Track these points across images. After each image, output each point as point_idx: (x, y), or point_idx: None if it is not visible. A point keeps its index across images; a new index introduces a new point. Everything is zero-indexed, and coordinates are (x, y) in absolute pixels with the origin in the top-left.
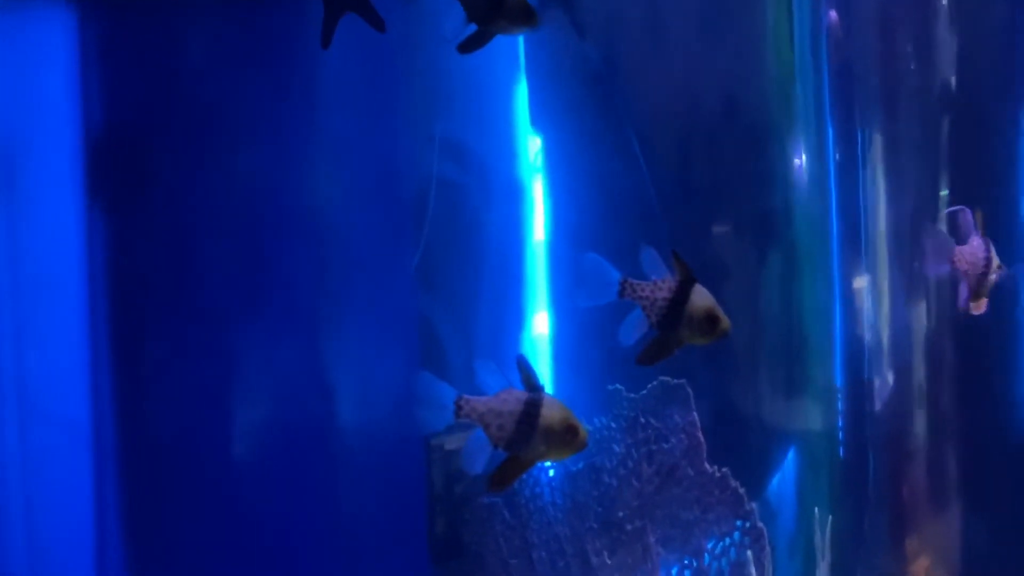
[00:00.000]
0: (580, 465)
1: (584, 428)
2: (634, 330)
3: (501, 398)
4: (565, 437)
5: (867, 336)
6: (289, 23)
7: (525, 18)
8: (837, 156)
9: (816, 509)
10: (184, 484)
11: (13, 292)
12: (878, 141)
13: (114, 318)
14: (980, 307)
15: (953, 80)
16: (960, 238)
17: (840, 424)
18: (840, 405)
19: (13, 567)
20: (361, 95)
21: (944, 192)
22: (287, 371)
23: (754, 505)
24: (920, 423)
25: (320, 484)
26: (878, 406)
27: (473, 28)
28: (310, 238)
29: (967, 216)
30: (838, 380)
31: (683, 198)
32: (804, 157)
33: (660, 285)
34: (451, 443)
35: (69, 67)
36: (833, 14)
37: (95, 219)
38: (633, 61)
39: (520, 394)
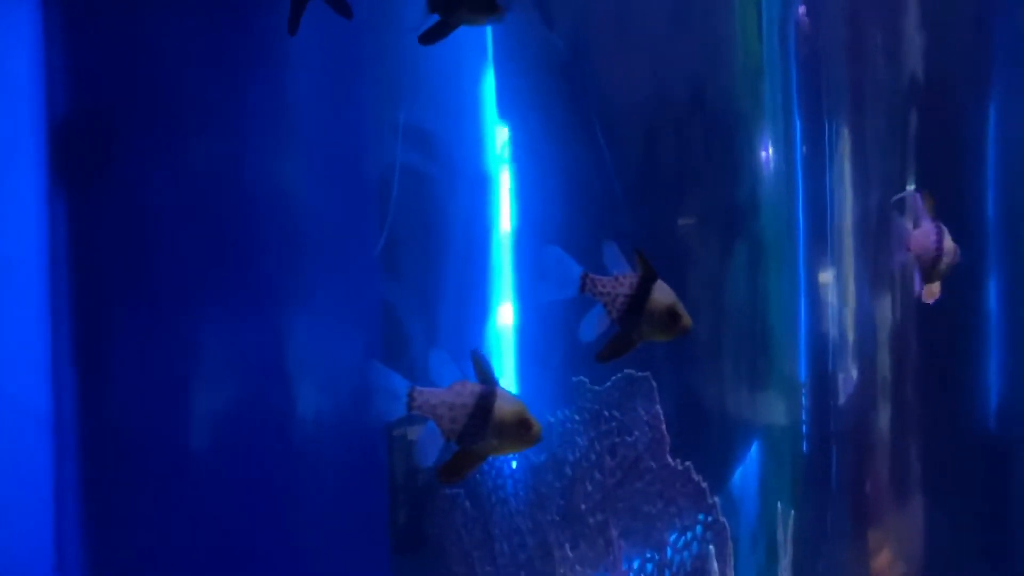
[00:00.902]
0: (543, 457)
1: (537, 422)
2: (595, 326)
3: (454, 390)
4: (518, 431)
5: (832, 330)
6: (254, 9)
7: (487, 9)
8: (804, 149)
9: (779, 503)
10: (144, 471)
11: None
12: (845, 135)
13: (75, 305)
14: (932, 293)
15: (921, 74)
16: (911, 223)
17: (804, 418)
18: (804, 399)
19: None
20: (325, 82)
21: (911, 186)
22: (248, 359)
23: (717, 499)
24: (883, 417)
25: (280, 473)
26: (842, 400)
27: (435, 18)
28: (273, 225)
29: (916, 200)
30: (802, 374)
31: (650, 190)
32: (771, 150)
33: (621, 281)
34: (413, 433)
35: (32, 50)
36: (802, 9)
37: (57, 205)
38: (601, 52)
39: (474, 387)
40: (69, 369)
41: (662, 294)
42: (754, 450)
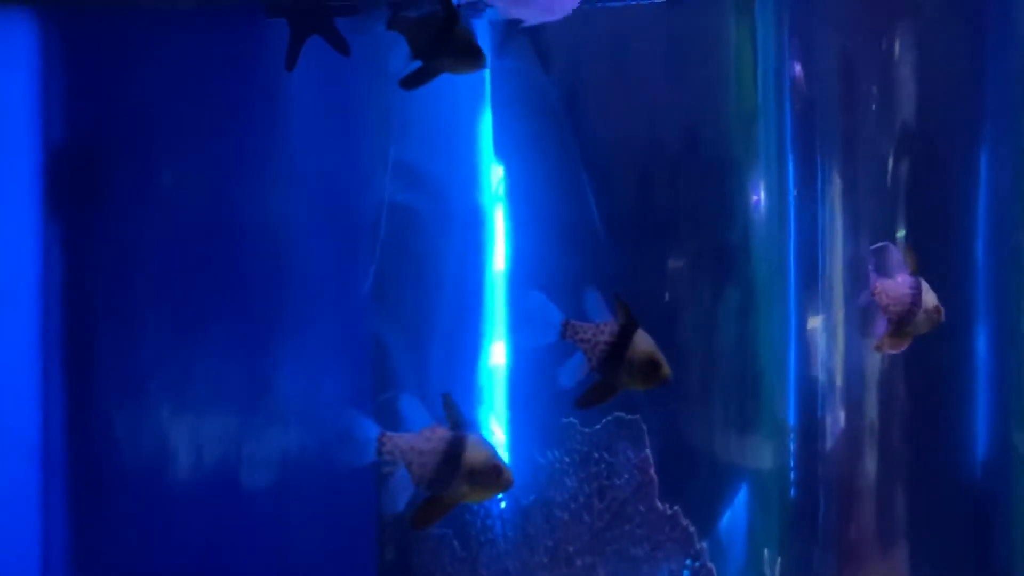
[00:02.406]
0: (532, 498)
1: (508, 469)
2: (574, 373)
3: (424, 436)
4: (488, 478)
5: (821, 375)
6: (251, 43)
7: (470, 57)
8: (796, 194)
9: (766, 550)
10: (132, 502)
11: None
12: (837, 181)
13: (66, 333)
14: (899, 346)
15: (912, 122)
16: (886, 274)
17: (791, 464)
18: (792, 444)
19: None
20: (320, 118)
21: (901, 232)
22: (236, 393)
23: (704, 544)
24: (871, 463)
25: (267, 508)
26: (830, 445)
27: (417, 64)
28: (264, 257)
29: (891, 252)
30: (791, 419)
31: (644, 232)
32: (763, 195)
33: (602, 328)
34: None
35: (29, 75)
36: (797, 67)
37: (51, 231)
38: (596, 95)
39: (444, 432)
40: (58, 397)
41: (643, 343)
42: (743, 494)
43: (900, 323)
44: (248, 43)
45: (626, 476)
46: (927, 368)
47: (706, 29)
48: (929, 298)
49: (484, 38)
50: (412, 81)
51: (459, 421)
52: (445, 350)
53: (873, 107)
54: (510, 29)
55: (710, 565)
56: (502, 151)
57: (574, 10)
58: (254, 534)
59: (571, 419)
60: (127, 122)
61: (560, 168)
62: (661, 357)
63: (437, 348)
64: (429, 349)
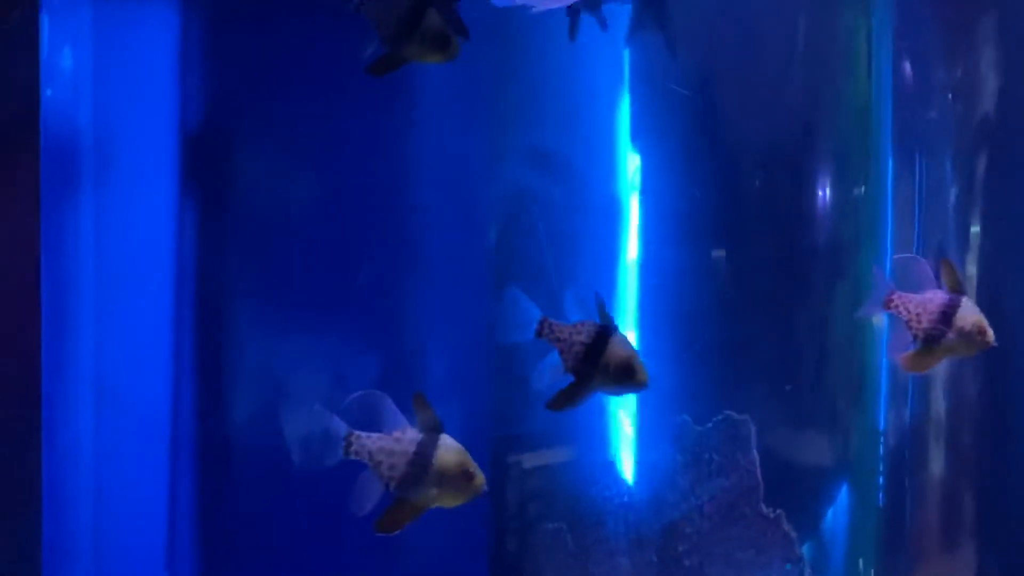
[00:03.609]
0: (646, 496)
1: (480, 473)
2: (548, 373)
3: (395, 436)
4: (459, 482)
5: (908, 378)
6: None
7: (438, 46)
8: (893, 188)
9: (860, 560)
10: (257, 482)
11: (97, 281)
12: (932, 177)
13: (198, 312)
14: (922, 366)
15: (992, 114)
16: (914, 287)
17: (880, 468)
18: (881, 448)
19: (81, 559)
20: (456, 104)
21: (975, 228)
22: (363, 372)
23: (804, 551)
24: (952, 467)
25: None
26: (915, 451)
27: (386, 50)
28: (394, 244)
29: (921, 266)
30: (881, 423)
31: (766, 225)
32: (872, 188)
33: (579, 329)
34: (530, 461)
35: (170, 64)
36: (906, 63)
37: (186, 214)
38: (725, 83)
39: (415, 433)
40: (189, 377)
41: (620, 346)
42: (841, 499)
43: (927, 341)
44: None
45: (734, 477)
46: (1007, 369)
47: (827, 20)
48: (970, 319)
49: (614, 23)
50: (376, 68)
51: (431, 423)
52: None
53: (960, 104)
54: (641, 15)
55: (808, 574)
56: (639, 139)
57: None
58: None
59: (684, 416)
60: (262, 103)
61: (693, 158)
62: (638, 362)
63: None
64: None
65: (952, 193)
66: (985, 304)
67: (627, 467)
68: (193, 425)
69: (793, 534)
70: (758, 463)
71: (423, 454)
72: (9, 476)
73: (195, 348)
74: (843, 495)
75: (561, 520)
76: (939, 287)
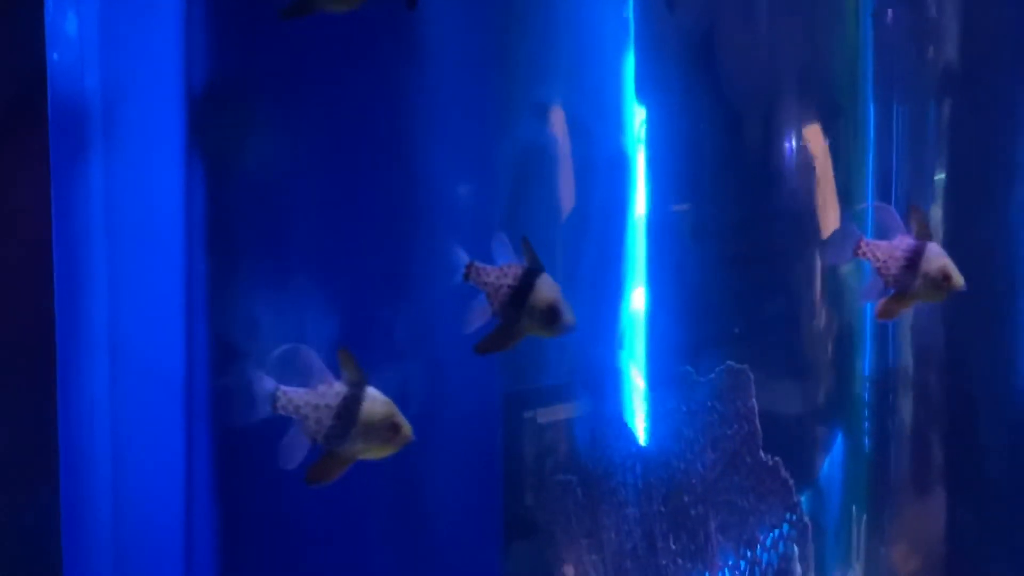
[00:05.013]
0: (653, 447)
1: (407, 424)
2: (476, 317)
3: (320, 391)
4: (386, 434)
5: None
6: None
7: None
8: (874, 138)
9: (853, 506)
10: (274, 441)
11: (109, 241)
12: (910, 127)
13: (210, 272)
14: (889, 314)
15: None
16: (884, 234)
17: (866, 414)
18: (867, 395)
19: (100, 520)
20: (460, 62)
21: (940, 175)
22: (372, 337)
23: (801, 498)
24: (926, 411)
25: (401, 456)
26: (900, 396)
27: None
28: (402, 200)
29: (889, 213)
30: (865, 368)
31: (765, 176)
32: (860, 138)
33: (506, 272)
34: (544, 415)
35: (176, 26)
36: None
37: (194, 173)
38: (725, 36)
39: (340, 387)
40: (203, 337)
41: (545, 289)
42: (837, 445)
43: (896, 287)
44: None
45: (736, 426)
46: (983, 317)
47: None
48: (935, 263)
49: None
50: (289, 12)
51: (356, 376)
52: (589, 294)
53: (938, 46)
54: None
55: (807, 520)
56: (644, 93)
57: None
58: (385, 480)
59: (688, 367)
60: (267, 66)
61: (695, 111)
62: (563, 304)
63: (581, 292)
64: (573, 293)
65: (925, 138)
66: (953, 248)
67: (635, 419)
68: (208, 385)
69: (791, 481)
70: (757, 411)
71: (349, 407)
72: (25, 439)
73: (208, 307)
74: (837, 442)
75: (571, 473)
76: (908, 233)
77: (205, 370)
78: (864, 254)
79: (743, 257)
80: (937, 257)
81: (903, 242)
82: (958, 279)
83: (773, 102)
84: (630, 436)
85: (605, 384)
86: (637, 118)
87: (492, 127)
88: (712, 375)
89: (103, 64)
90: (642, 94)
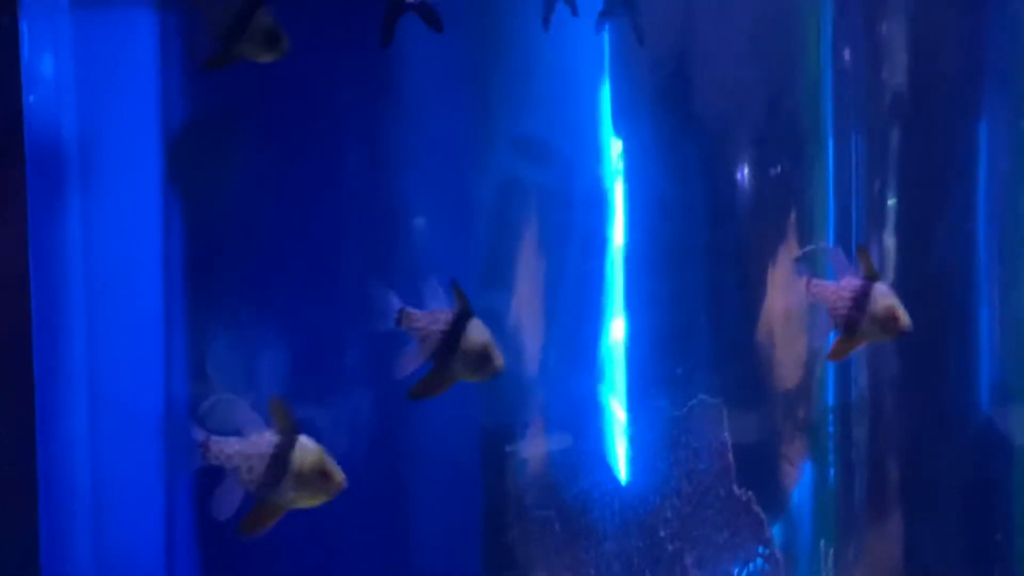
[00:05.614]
0: (631, 483)
1: (339, 472)
2: (408, 363)
3: (251, 440)
4: (317, 482)
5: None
6: (365, 21)
7: (266, 45)
8: (833, 168)
9: (822, 540)
10: None
11: (87, 281)
12: (867, 158)
13: (188, 310)
14: (839, 354)
15: (908, 92)
16: (833, 274)
17: (830, 445)
18: (831, 427)
19: (81, 561)
20: (433, 93)
21: (891, 201)
22: (345, 368)
23: (773, 532)
24: (895, 444)
25: (381, 492)
26: (861, 426)
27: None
28: (379, 235)
29: (837, 254)
30: (829, 398)
31: (738, 207)
32: (822, 167)
33: (437, 317)
34: (524, 449)
35: (150, 62)
36: (845, 49)
37: (172, 214)
38: (697, 67)
39: (272, 436)
40: (181, 377)
41: (476, 333)
42: (805, 478)
43: (845, 327)
44: (362, 20)
45: (708, 460)
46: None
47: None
48: (881, 303)
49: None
50: (211, 63)
51: (288, 424)
52: (568, 327)
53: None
54: (611, 2)
55: (778, 555)
56: (620, 125)
57: None
58: (364, 515)
59: (662, 402)
60: (245, 103)
61: (670, 142)
62: (494, 347)
63: (560, 325)
64: (553, 325)
65: (883, 167)
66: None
67: (613, 453)
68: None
69: (763, 516)
70: (730, 445)
71: (280, 456)
72: (5, 481)
73: (186, 348)
74: (806, 474)
75: (550, 508)
76: (856, 274)
77: (184, 408)
78: (813, 295)
79: (717, 286)
80: (884, 297)
81: (851, 283)
82: (905, 319)
83: (742, 134)
84: (609, 470)
85: (585, 418)
86: (614, 150)
87: (470, 161)
88: (686, 410)
89: (80, 105)
90: (618, 126)
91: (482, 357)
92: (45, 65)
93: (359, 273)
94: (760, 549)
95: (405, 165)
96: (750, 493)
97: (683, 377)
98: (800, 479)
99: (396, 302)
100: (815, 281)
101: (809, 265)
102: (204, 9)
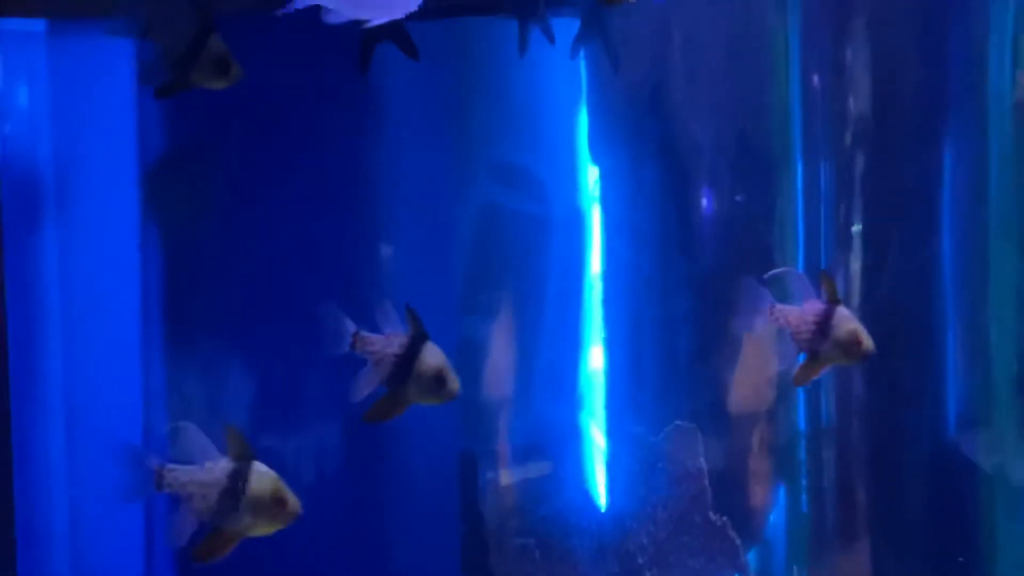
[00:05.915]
0: (609, 509)
1: (294, 498)
2: (362, 386)
3: (206, 468)
4: (272, 509)
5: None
6: (343, 51)
7: (219, 72)
8: (802, 193)
9: (795, 567)
10: None
11: (63, 311)
12: (836, 183)
13: (166, 340)
14: (803, 379)
15: (871, 115)
16: (792, 299)
17: (803, 471)
18: (803, 453)
19: None
20: (417, 120)
21: (857, 227)
22: (321, 399)
23: (748, 558)
24: (865, 469)
25: (359, 516)
26: (831, 451)
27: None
28: (359, 262)
29: (798, 278)
30: (800, 423)
31: (710, 230)
32: (792, 192)
33: (391, 340)
34: (503, 477)
35: (126, 91)
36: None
37: (149, 241)
38: (670, 90)
39: (226, 463)
40: (160, 406)
41: (431, 356)
42: (778, 504)
43: (809, 352)
44: (338, 46)
45: (684, 485)
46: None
47: (754, 28)
48: (844, 328)
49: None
50: (163, 92)
51: (242, 451)
52: (548, 353)
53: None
54: (586, 29)
55: None
56: (596, 151)
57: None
58: (345, 543)
59: (640, 428)
60: (221, 129)
61: (646, 168)
62: (448, 371)
63: (540, 351)
64: (533, 352)
65: (849, 192)
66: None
67: (591, 479)
68: (164, 450)
69: (738, 541)
70: (705, 470)
71: (234, 484)
72: None
73: (163, 375)
74: (780, 500)
75: (529, 535)
76: (818, 298)
77: (163, 437)
78: (776, 319)
79: (694, 313)
80: (846, 321)
81: (813, 307)
82: (868, 343)
83: (716, 160)
84: (587, 497)
85: (564, 444)
86: (591, 176)
87: (447, 188)
88: (662, 435)
89: (55, 135)
90: (595, 153)
91: (437, 380)
92: (20, 96)
93: (339, 301)
94: (736, 575)
95: (383, 193)
96: (725, 518)
97: (659, 402)
98: (774, 504)
99: (351, 326)
100: (779, 306)
101: (776, 290)
102: (156, 38)
